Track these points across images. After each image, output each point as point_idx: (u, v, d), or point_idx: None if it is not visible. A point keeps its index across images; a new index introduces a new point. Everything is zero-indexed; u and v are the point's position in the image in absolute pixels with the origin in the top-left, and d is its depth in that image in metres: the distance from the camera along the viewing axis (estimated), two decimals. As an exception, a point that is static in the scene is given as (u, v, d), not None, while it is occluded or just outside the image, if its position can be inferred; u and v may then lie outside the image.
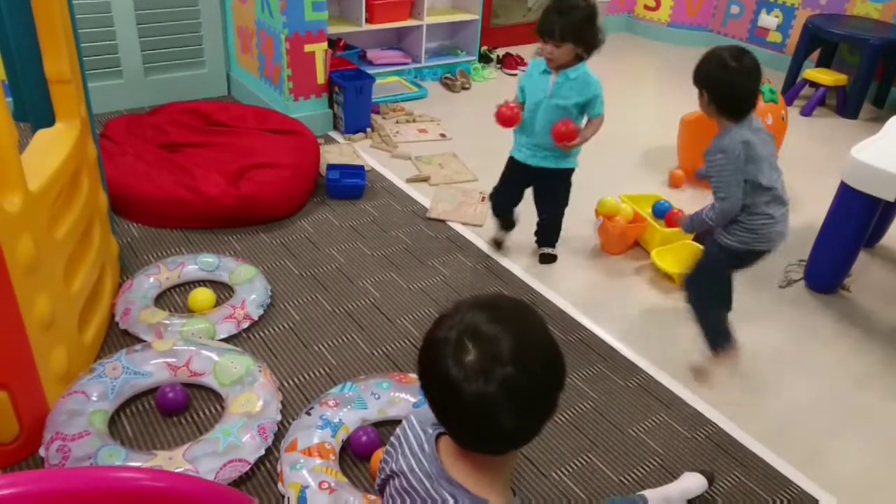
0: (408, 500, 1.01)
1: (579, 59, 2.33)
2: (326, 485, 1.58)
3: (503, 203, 2.66)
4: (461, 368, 0.86)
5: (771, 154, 1.95)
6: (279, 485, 1.64)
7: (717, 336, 2.12)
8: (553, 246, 2.73)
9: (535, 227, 2.73)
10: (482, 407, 0.86)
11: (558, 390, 0.93)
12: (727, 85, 1.89)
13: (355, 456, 1.77)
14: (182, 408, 1.86)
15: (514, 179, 2.58)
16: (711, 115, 1.97)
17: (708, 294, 2.14)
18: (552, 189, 2.57)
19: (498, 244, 2.77)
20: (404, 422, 1.08)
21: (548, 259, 2.71)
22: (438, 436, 1.01)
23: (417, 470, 1.00)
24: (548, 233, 2.70)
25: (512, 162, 2.55)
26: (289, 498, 1.59)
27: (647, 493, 1.65)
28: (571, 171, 2.52)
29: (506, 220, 2.72)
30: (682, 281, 2.27)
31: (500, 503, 0.95)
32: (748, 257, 2.04)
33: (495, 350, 0.86)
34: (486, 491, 0.95)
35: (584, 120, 2.41)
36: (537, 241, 2.75)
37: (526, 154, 2.48)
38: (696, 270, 2.15)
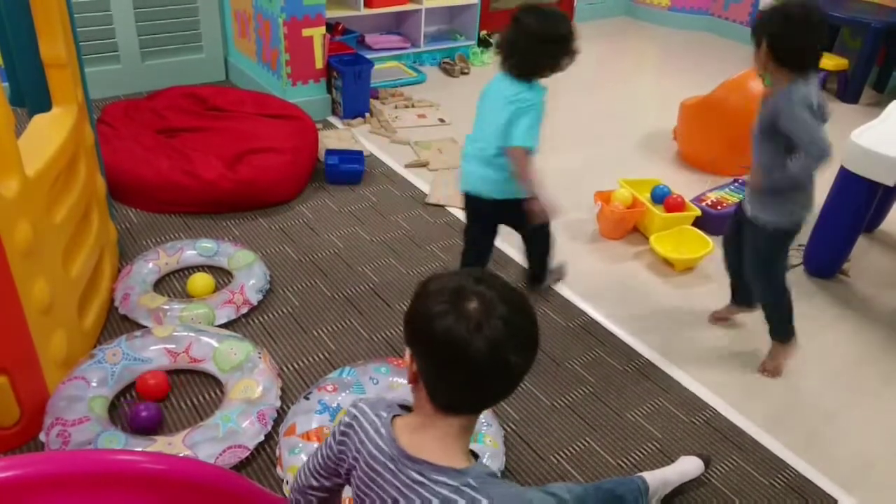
0: (374, 488, 1.03)
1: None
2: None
3: None
4: (466, 320, 0.92)
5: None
6: (278, 469, 1.65)
7: (790, 324, 2.10)
8: None
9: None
10: (494, 349, 0.92)
11: (537, 342, 1.02)
12: (791, 37, 1.81)
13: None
14: (155, 426, 1.77)
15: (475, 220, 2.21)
16: (770, 70, 1.85)
17: (782, 283, 2.06)
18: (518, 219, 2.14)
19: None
20: (353, 410, 1.09)
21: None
22: (393, 418, 1.05)
23: (378, 454, 1.02)
24: (529, 269, 2.37)
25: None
26: (287, 481, 1.60)
27: (646, 474, 1.66)
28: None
29: None
30: (760, 290, 2.13)
31: (468, 465, 0.99)
32: (795, 234, 1.99)
33: (489, 297, 0.94)
34: (451, 458, 0.98)
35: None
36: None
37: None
38: (760, 268, 2.05)
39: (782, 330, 2.12)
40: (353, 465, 1.07)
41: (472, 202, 2.09)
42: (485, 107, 2.06)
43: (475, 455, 1.05)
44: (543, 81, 1.99)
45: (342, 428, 1.09)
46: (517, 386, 1.01)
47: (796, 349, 2.15)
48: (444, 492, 0.96)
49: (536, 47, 1.91)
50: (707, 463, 1.78)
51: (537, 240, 2.23)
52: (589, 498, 1.48)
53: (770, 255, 2.03)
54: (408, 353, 1.01)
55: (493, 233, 2.20)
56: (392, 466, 1.01)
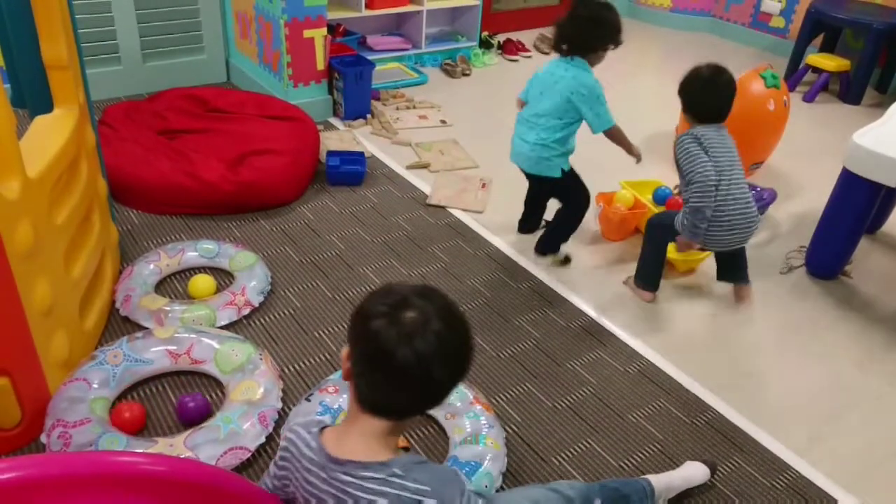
0: (313, 499, 1.09)
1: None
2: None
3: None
4: (399, 326, 0.99)
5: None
6: (280, 470, 1.65)
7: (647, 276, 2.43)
8: None
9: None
10: (420, 360, 0.98)
11: (469, 360, 1.08)
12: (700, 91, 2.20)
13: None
14: (203, 418, 1.78)
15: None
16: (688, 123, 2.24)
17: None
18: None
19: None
20: (289, 434, 1.16)
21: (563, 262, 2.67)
22: (322, 430, 1.11)
23: (311, 466, 1.09)
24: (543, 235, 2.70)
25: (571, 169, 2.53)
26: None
27: (651, 477, 1.66)
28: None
29: None
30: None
31: (392, 457, 1.05)
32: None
33: (427, 311, 1.01)
34: (375, 454, 1.05)
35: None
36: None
37: None
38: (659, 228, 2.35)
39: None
40: (293, 479, 1.14)
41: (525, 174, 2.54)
42: (536, 91, 2.41)
43: (407, 450, 1.13)
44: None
45: (280, 452, 1.17)
46: (440, 400, 1.07)
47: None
48: (373, 485, 1.02)
49: (587, 28, 2.28)
50: (713, 470, 1.77)
51: (564, 216, 2.57)
52: (594, 495, 1.48)
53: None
54: (345, 349, 1.07)
55: (539, 200, 2.70)
56: (324, 474, 1.07)
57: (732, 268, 2.37)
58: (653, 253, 2.39)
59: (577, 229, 2.58)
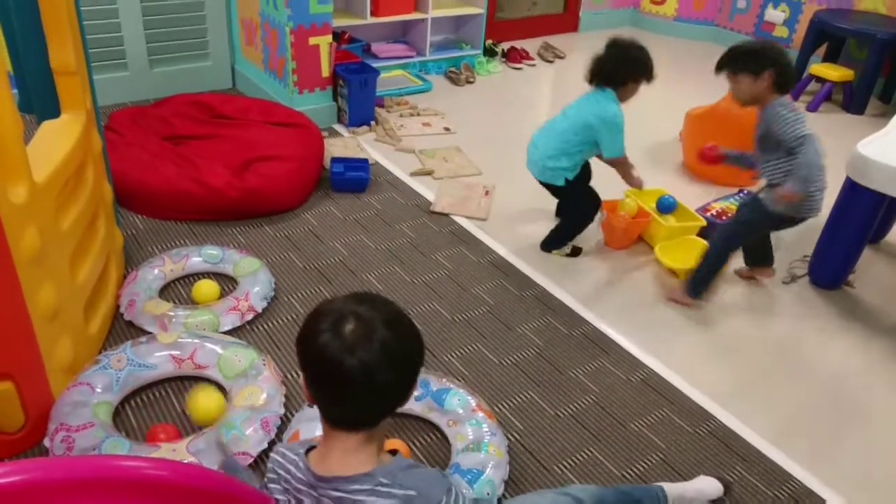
0: None
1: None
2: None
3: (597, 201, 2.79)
4: (342, 339, 0.99)
5: None
6: (282, 476, 1.65)
7: (703, 284, 2.45)
8: None
9: (547, 231, 2.80)
10: (364, 369, 0.99)
11: (421, 358, 1.09)
12: (789, 65, 2.20)
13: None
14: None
15: (586, 183, 2.75)
16: (761, 95, 2.22)
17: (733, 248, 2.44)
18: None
19: (580, 250, 2.78)
20: (274, 456, 1.18)
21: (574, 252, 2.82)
22: (308, 451, 1.12)
23: (301, 486, 1.10)
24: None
25: (581, 176, 2.66)
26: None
27: (665, 485, 1.65)
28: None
29: None
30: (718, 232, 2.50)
31: (374, 466, 1.06)
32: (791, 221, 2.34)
33: (371, 321, 1.01)
34: (358, 466, 1.06)
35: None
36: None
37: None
38: (734, 225, 2.43)
39: (694, 284, 2.47)
40: (285, 501, 1.14)
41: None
42: (562, 112, 2.60)
43: (394, 453, 1.15)
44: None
45: (268, 474, 1.18)
46: (402, 401, 1.08)
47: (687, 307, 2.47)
48: (362, 497, 1.04)
49: (615, 62, 2.46)
50: (727, 488, 1.76)
51: (571, 213, 2.74)
52: (608, 498, 1.48)
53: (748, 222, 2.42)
54: (302, 376, 1.08)
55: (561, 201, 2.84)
56: (315, 493, 1.08)
57: (765, 250, 2.57)
58: (719, 262, 2.42)
59: (579, 239, 2.58)
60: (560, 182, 2.57)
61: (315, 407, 1.09)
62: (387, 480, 1.04)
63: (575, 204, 2.69)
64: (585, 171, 2.66)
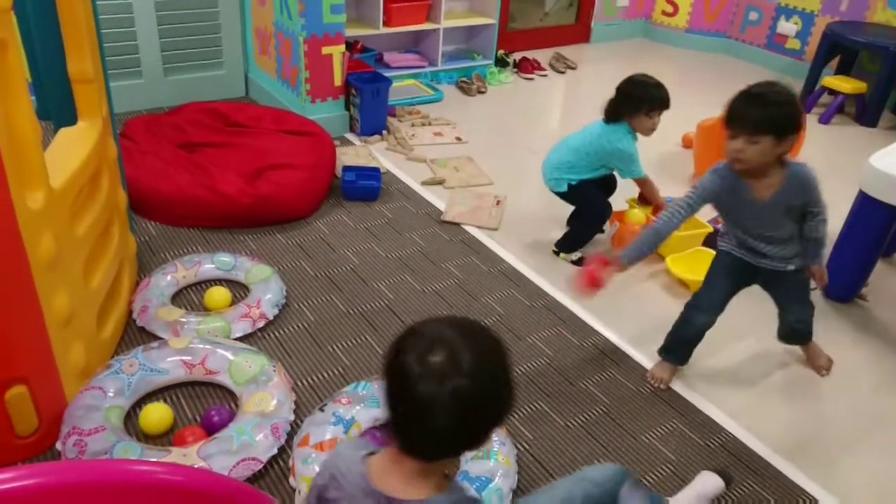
0: None
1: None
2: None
3: (607, 209, 2.82)
4: (423, 366, 0.95)
5: None
6: (291, 479, 1.66)
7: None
8: None
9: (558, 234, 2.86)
10: (426, 404, 0.95)
11: (497, 420, 1.04)
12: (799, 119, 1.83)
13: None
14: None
15: (594, 189, 2.78)
16: (770, 158, 1.83)
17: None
18: (613, 177, 2.86)
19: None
20: (333, 454, 1.16)
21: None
22: (368, 455, 1.09)
23: (358, 493, 1.07)
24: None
25: (588, 181, 2.71)
26: (300, 491, 1.60)
27: (670, 499, 1.64)
28: None
29: None
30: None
31: (430, 495, 1.02)
32: None
33: (457, 361, 0.95)
34: (416, 492, 1.03)
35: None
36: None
37: (601, 171, 2.73)
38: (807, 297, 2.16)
39: (809, 332, 2.23)
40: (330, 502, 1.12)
41: None
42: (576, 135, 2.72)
43: (449, 481, 1.11)
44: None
45: (325, 467, 1.15)
46: (459, 448, 1.03)
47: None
48: None
49: (626, 95, 2.57)
50: (728, 480, 1.74)
51: (574, 224, 2.84)
52: (623, 478, 1.45)
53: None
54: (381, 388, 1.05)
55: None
56: (371, 501, 1.05)
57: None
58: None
59: (589, 249, 2.58)
60: (563, 188, 2.68)
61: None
62: None
63: (584, 207, 2.76)
64: (597, 180, 2.72)
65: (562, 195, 2.73)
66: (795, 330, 2.20)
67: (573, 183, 2.67)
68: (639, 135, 2.62)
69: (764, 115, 1.77)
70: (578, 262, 2.74)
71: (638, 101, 2.55)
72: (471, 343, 0.99)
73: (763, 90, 1.81)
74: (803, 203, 1.91)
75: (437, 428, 0.97)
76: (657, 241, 2.02)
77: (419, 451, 1.02)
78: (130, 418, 1.83)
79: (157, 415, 1.81)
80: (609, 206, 2.75)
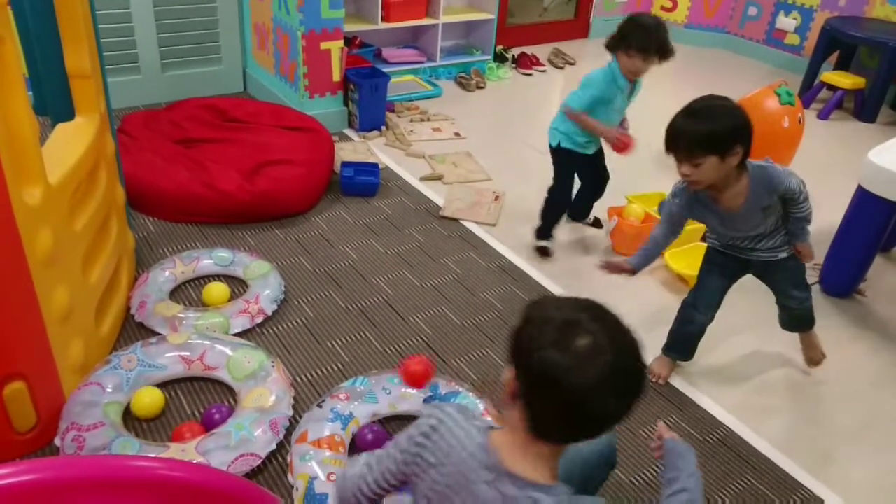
0: (460, 494, 1.03)
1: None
2: (335, 477, 1.59)
3: (570, 194, 2.78)
4: (572, 357, 0.93)
5: None
6: (289, 475, 1.66)
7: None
8: None
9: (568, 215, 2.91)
10: (595, 391, 0.93)
11: (642, 384, 1.01)
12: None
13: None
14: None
15: (573, 170, 2.74)
16: (723, 173, 1.77)
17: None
18: (603, 164, 2.79)
19: (550, 251, 2.78)
20: (438, 413, 1.09)
21: (598, 224, 2.96)
22: (489, 429, 1.06)
23: (471, 461, 1.02)
24: (600, 192, 2.88)
25: (576, 157, 2.65)
26: (297, 488, 1.60)
27: None
28: None
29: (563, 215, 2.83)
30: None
31: (555, 483, 1.00)
32: None
33: (600, 337, 0.95)
34: (542, 477, 1.00)
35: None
36: (586, 211, 2.95)
37: (589, 146, 2.65)
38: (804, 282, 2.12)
39: (812, 317, 2.18)
40: (429, 467, 1.06)
41: None
42: None
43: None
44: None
45: (424, 430, 1.08)
46: (611, 427, 1.01)
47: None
48: None
49: (617, 32, 2.55)
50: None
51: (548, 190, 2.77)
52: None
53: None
54: (509, 371, 1.01)
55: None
56: (488, 477, 1.01)
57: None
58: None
59: (588, 244, 2.56)
60: (554, 142, 2.65)
61: (506, 404, 1.02)
62: (568, 502, 1.00)
63: (553, 178, 2.72)
64: (575, 159, 2.67)
65: (551, 152, 2.70)
66: (798, 316, 2.16)
67: (561, 143, 2.63)
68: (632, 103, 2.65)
69: (697, 135, 1.73)
70: (541, 252, 2.75)
71: (620, 38, 2.49)
72: (596, 316, 0.98)
73: (695, 107, 1.77)
74: (776, 199, 1.87)
75: (594, 413, 0.96)
76: (657, 252, 2.09)
77: (560, 436, 1.01)
78: (129, 414, 1.83)
79: (147, 398, 1.82)
80: (568, 203, 2.77)
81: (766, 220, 1.90)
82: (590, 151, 2.66)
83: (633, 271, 2.05)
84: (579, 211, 2.95)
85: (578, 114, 2.53)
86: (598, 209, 2.92)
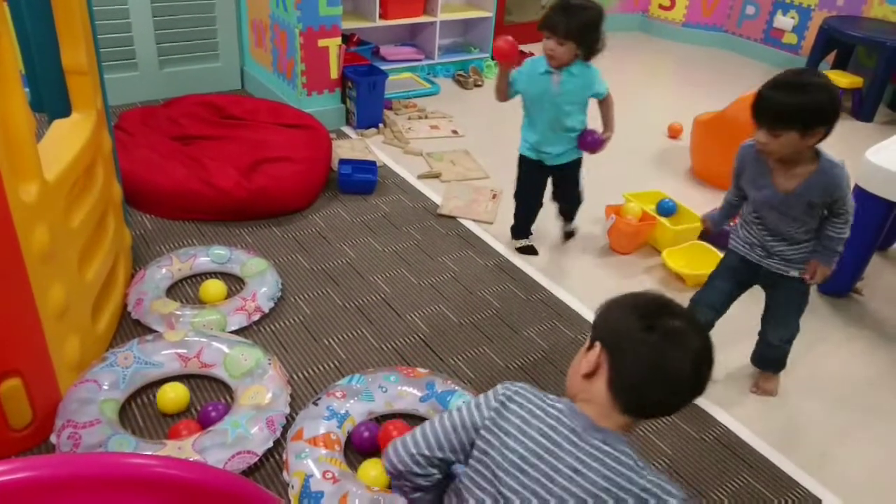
0: (547, 459, 1.06)
1: (576, 59, 2.35)
2: (330, 475, 1.59)
3: (534, 205, 2.69)
4: (673, 343, 1.05)
5: None
6: (284, 473, 1.66)
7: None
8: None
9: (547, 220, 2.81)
10: (695, 367, 1.06)
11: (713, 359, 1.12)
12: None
13: (357, 451, 1.77)
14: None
15: (536, 180, 2.61)
16: (797, 150, 1.78)
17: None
18: (573, 178, 2.63)
19: (531, 249, 2.76)
20: (511, 387, 1.14)
21: (571, 236, 2.84)
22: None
23: (557, 425, 1.08)
24: (572, 211, 2.77)
25: (529, 163, 2.56)
26: (293, 486, 1.60)
27: None
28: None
29: (530, 223, 2.76)
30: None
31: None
32: None
33: (688, 334, 1.07)
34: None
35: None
36: (565, 220, 2.81)
37: (544, 156, 2.51)
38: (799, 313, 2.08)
39: (784, 363, 2.15)
40: (508, 434, 1.09)
41: None
42: None
43: None
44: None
45: (501, 399, 1.13)
46: (688, 403, 1.12)
47: None
48: (630, 462, 1.05)
49: None
50: None
51: None
52: None
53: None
54: (597, 348, 1.09)
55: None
56: (574, 438, 1.07)
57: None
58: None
59: (586, 243, 2.56)
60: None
61: (583, 379, 1.11)
62: (643, 464, 1.06)
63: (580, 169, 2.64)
64: (526, 165, 2.58)
65: (576, 161, 2.60)
66: (771, 357, 2.12)
67: (519, 148, 2.57)
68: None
69: (783, 107, 1.69)
70: (521, 251, 2.74)
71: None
72: (679, 315, 1.09)
73: (788, 79, 1.72)
74: (825, 202, 1.83)
75: (705, 378, 1.08)
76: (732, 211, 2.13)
77: (662, 411, 1.14)
78: (125, 411, 1.83)
79: (172, 393, 1.84)
80: (529, 203, 2.69)
81: (805, 218, 1.86)
82: (549, 162, 2.52)
83: (711, 228, 2.25)
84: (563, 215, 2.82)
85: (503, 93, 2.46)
86: (597, 207, 2.91)
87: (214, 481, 1.07)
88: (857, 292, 2.65)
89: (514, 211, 2.73)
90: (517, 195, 2.68)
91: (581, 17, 2.25)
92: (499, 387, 1.15)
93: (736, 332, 2.40)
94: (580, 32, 2.26)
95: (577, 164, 2.58)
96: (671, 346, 1.04)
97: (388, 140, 3.58)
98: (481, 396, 1.16)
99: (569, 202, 2.71)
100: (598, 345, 1.09)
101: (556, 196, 2.69)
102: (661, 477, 1.07)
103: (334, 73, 3.58)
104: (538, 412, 1.10)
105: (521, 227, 2.76)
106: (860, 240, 2.52)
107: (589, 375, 1.09)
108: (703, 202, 3.10)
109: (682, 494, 1.07)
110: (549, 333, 2.30)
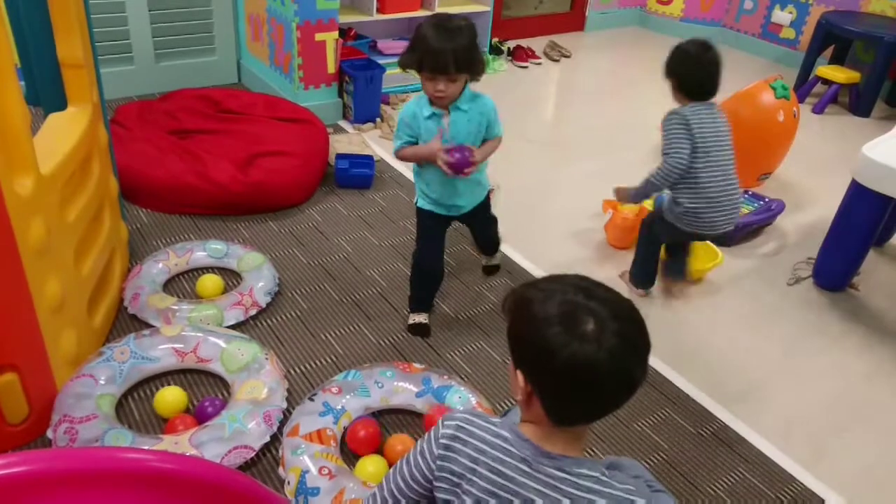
0: (504, 493, 1.02)
1: (464, 87, 1.99)
2: (326, 470, 1.59)
3: (437, 260, 2.21)
4: (586, 344, 0.93)
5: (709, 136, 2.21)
6: (280, 468, 1.66)
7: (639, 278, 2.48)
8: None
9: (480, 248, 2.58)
10: (617, 366, 0.95)
11: (648, 335, 1.03)
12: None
13: (351, 450, 1.76)
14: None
15: (440, 232, 2.20)
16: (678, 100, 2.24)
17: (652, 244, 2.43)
18: (484, 214, 2.29)
19: (425, 329, 2.22)
20: (454, 421, 1.08)
21: (495, 269, 2.55)
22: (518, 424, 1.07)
23: (506, 458, 1.03)
24: (493, 245, 2.49)
25: (435, 219, 2.15)
26: (289, 482, 1.60)
27: None
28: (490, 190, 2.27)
29: (433, 293, 2.30)
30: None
31: (596, 461, 1.04)
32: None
33: (602, 315, 0.96)
34: (583, 454, 1.04)
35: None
36: (486, 254, 2.55)
37: (455, 209, 2.14)
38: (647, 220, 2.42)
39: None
40: (462, 477, 1.05)
41: None
42: None
43: None
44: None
45: (444, 441, 1.07)
46: (636, 391, 1.03)
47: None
48: (589, 483, 0.99)
49: None
50: None
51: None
52: None
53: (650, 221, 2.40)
54: (519, 375, 1.01)
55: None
56: (525, 468, 1.02)
57: (679, 262, 2.50)
58: (645, 251, 2.45)
59: (582, 238, 2.54)
60: (488, 183, 2.25)
61: (523, 403, 1.03)
62: (608, 473, 1.01)
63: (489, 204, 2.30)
64: (430, 220, 2.16)
65: (486, 198, 2.28)
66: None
67: (417, 201, 2.19)
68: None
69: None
70: (413, 330, 2.21)
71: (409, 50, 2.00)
72: (586, 291, 1.00)
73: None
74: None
75: (634, 376, 0.98)
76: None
77: (600, 415, 1.02)
78: (122, 406, 1.82)
79: (170, 396, 1.83)
80: (433, 269, 2.20)
81: None
82: (455, 213, 2.15)
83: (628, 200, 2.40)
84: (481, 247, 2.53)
85: (401, 154, 2.05)
86: (594, 202, 2.91)
87: (213, 476, 1.07)
88: (853, 287, 2.66)
89: (412, 277, 2.24)
90: (421, 257, 2.19)
91: (462, 38, 1.88)
92: (440, 424, 1.09)
93: (732, 324, 2.41)
94: (468, 58, 1.89)
95: (486, 197, 2.24)
96: (588, 353, 0.93)
97: (385, 134, 3.57)
98: (423, 441, 1.10)
99: (488, 234, 2.42)
100: (519, 374, 1.02)
101: (473, 235, 2.45)
102: (631, 482, 1.03)
103: (331, 68, 3.57)
104: (483, 446, 1.04)
105: (424, 299, 2.25)
106: (857, 235, 2.52)
107: (526, 401, 1.03)
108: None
109: (649, 493, 1.04)
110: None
